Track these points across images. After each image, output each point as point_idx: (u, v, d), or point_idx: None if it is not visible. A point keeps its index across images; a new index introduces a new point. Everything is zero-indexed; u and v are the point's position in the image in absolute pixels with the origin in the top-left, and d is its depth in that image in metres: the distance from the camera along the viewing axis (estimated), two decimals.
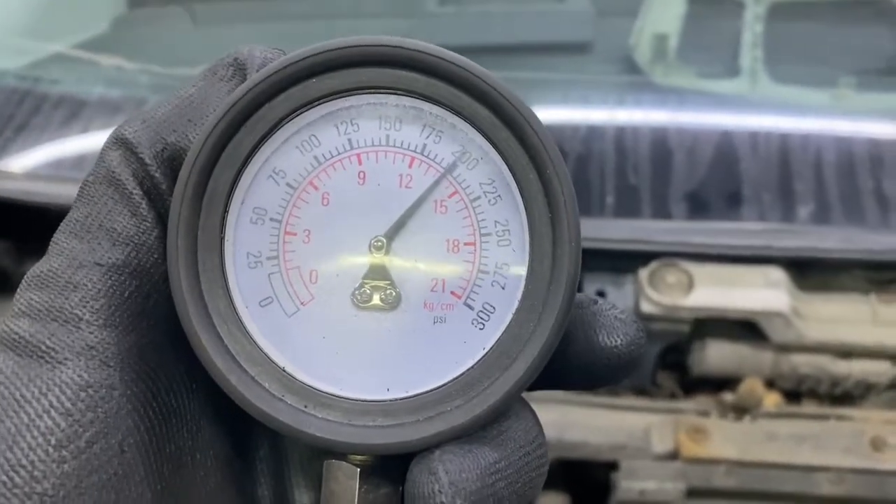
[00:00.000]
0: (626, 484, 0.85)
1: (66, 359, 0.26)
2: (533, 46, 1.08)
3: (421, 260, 0.25)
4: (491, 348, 0.25)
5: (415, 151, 0.25)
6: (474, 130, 0.25)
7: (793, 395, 0.90)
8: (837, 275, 0.84)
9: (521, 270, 0.25)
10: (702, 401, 0.89)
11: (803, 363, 0.84)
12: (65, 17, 1.26)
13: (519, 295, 0.25)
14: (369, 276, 0.26)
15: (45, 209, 0.89)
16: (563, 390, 0.28)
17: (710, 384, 0.89)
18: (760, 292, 0.79)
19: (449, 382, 0.25)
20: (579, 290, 0.27)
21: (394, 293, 0.25)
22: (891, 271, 0.83)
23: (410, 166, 0.25)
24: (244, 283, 0.25)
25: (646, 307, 0.80)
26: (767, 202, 0.83)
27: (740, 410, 0.86)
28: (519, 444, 0.25)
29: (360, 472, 0.26)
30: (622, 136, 0.89)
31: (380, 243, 0.25)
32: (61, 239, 0.27)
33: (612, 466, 0.86)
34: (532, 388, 0.27)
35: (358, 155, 0.25)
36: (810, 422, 0.85)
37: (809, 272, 0.83)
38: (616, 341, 0.27)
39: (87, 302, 0.26)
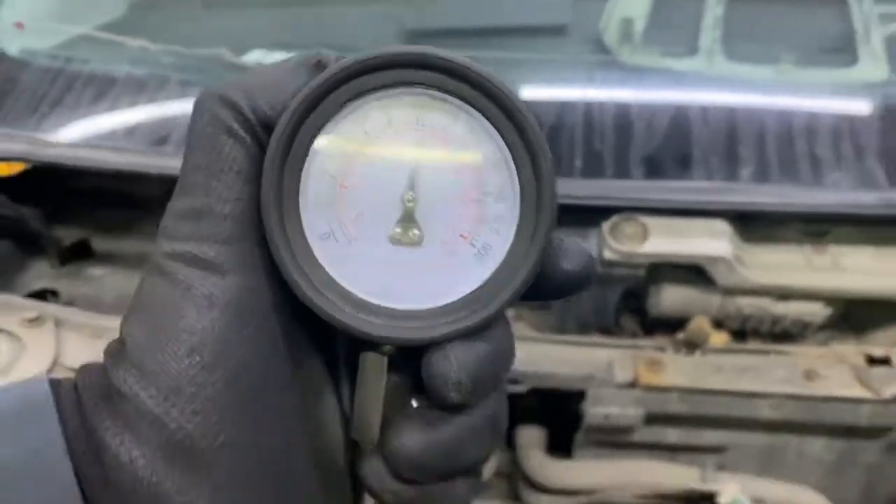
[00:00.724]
0: (593, 409, 0.98)
1: (229, 269, 0.31)
2: (515, 29, 1.20)
3: (442, 206, 0.33)
4: (490, 276, 0.33)
5: (436, 128, 0.33)
6: (483, 118, 0.32)
7: (739, 334, 1.02)
8: (776, 228, 0.96)
9: (513, 220, 0.33)
10: (659, 339, 1.01)
11: (746, 304, 0.97)
12: (87, 2, 1.38)
13: (511, 238, 0.33)
14: (401, 220, 0.33)
15: (79, 175, 1.00)
16: (539, 300, 0.37)
17: (667, 325, 1.02)
18: (706, 241, 0.92)
19: (459, 299, 0.33)
20: None
21: (419, 234, 0.33)
22: (822, 224, 0.96)
23: (436, 139, 0.33)
24: (311, 222, 0.33)
25: (607, 254, 0.92)
26: (714, 164, 0.95)
27: (691, 346, 0.98)
28: (501, 340, 0.36)
29: (387, 359, 0.34)
30: (590, 109, 1.01)
31: (410, 196, 0.33)
32: (195, 179, 0.31)
33: (581, 395, 0.99)
34: (519, 300, 0.37)
35: (395, 129, 0.32)
36: (753, 356, 0.98)
37: (752, 225, 0.96)
38: (575, 266, 0.37)
39: (237, 226, 0.31)
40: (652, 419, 0.99)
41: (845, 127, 0.96)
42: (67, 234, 1.29)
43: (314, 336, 0.35)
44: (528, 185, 0.32)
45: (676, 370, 0.96)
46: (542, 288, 0.34)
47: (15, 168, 1.12)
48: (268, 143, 0.32)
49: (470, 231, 0.33)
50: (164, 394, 0.30)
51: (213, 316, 0.30)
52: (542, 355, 1.01)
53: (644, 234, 0.92)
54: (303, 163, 0.32)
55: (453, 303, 0.33)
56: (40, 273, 1.26)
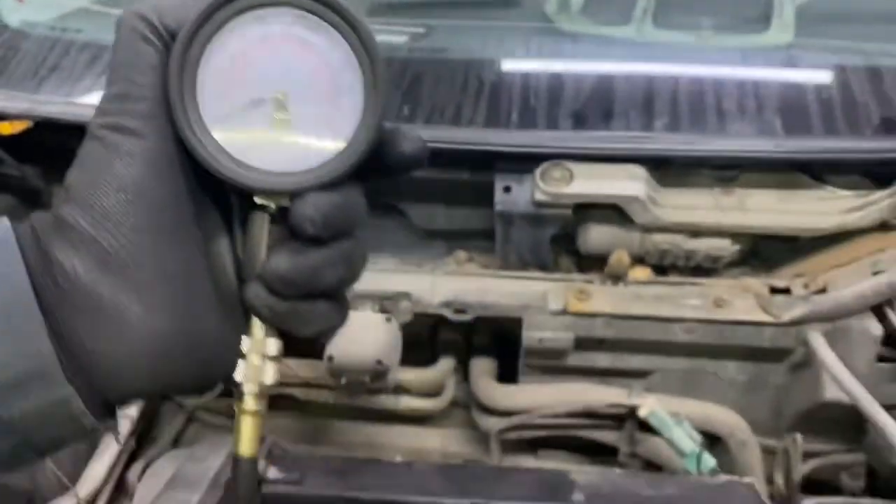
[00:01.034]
0: (528, 334, 1.11)
1: (146, 135, 0.41)
2: (469, 2, 1.33)
3: (306, 97, 0.43)
4: (343, 148, 0.43)
5: (302, 38, 0.43)
6: (337, 32, 0.43)
7: (659, 270, 1.15)
8: (690, 174, 1.09)
9: (360, 107, 0.43)
10: (589, 275, 1.14)
11: (662, 241, 1.10)
12: None
13: (358, 121, 0.43)
14: (276, 110, 0.43)
15: (78, 132, 1.12)
16: (387, 175, 0.47)
17: (597, 263, 1.15)
18: (624, 183, 1.04)
19: (318, 164, 0.43)
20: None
21: (290, 119, 0.43)
22: (730, 170, 1.08)
23: (301, 47, 0.43)
24: (205, 106, 0.43)
25: (538, 196, 1.05)
26: (633, 117, 1.07)
27: (615, 278, 1.11)
28: (350, 195, 0.43)
29: (269, 216, 0.45)
30: (527, 71, 1.14)
31: (282, 92, 0.43)
32: (119, 73, 0.42)
33: (520, 323, 1.12)
34: (367, 176, 0.45)
35: (270, 39, 0.43)
36: (670, 287, 1.11)
37: (667, 171, 1.08)
38: (412, 148, 0.49)
39: (151, 105, 0.41)
40: (582, 344, 1.12)
41: (749, 84, 1.09)
42: None
43: (212, 191, 0.46)
44: (368, 81, 0.44)
45: (602, 299, 1.09)
46: (388, 164, 0.46)
47: (17, 127, 1.24)
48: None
49: (329, 116, 0.44)
50: (98, 220, 0.41)
51: (135, 166, 0.42)
52: (486, 289, 1.13)
53: (570, 178, 1.05)
54: (198, 61, 0.43)
55: (314, 167, 0.44)
56: None
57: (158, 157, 0.43)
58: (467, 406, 1.30)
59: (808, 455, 1.13)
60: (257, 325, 0.48)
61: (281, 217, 0.45)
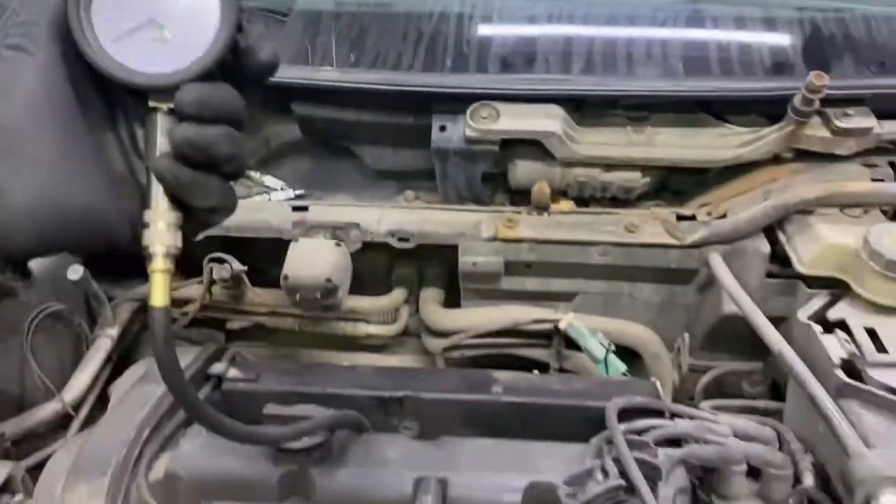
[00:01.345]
0: (463, 258, 1.24)
1: (42, 51, 0.57)
2: None
3: (177, 16, 0.57)
4: (207, 49, 0.57)
5: None
6: None
7: (581, 203, 1.29)
8: (604, 115, 1.22)
9: (218, 17, 0.58)
10: (518, 207, 1.28)
11: (580, 174, 1.23)
12: None
13: (217, 26, 0.58)
14: (158, 29, 0.57)
15: None
16: (247, 78, 0.60)
17: (528, 199, 1.28)
18: (543, 120, 1.18)
19: (189, 65, 0.57)
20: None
21: (169, 35, 0.58)
22: (640, 111, 1.22)
23: None
24: (98, 26, 0.57)
25: (469, 133, 1.18)
26: (552, 61, 1.21)
27: (540, 208, 1.25)
28: (220, 88, 0.57)
29: (159, 115, 0.59)
30: (461, 21, 1.28)
31: (164, 19, 0.58)
32: (24, 7, 0.59)
33: (456, 249, 1.25)
34: (235, 79, 0.60)
35: None
36: (588, 216, 1.24)
37: (584, 112, 1.22)
38: (266, 57, 0.62)
39: (48, 29, 0.56)
40: (511, 268, 1.25)
41: (656, 33, 1.22)
42: None
43: (100, 98, 0.61)
44: (225, 6, 0.59)
45: (527, 227, 1.23)
46: (249, 68, 0.60)
47: None
48: None
49: (195, 30, 0.58)
50: (12, 106, 0.55)
51: (37, 70, 0.57)
52: (427, 220, 1.27)
53: (496, 117, 1.18)
54: None
55: (186, 68, 0.58)
56: None
57: (49, 70, 0.58)
58: (420, 335, 1.43)
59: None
60: (161, 197, 0.61)
61: (171, 115, 0.60)
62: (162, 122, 0.60)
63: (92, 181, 0.60)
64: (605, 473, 0.78)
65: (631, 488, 0.79)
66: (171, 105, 0.59)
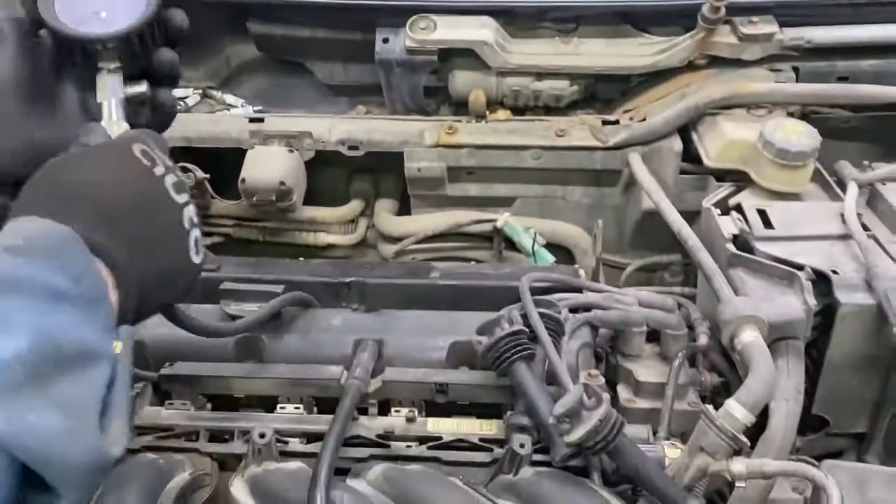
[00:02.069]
0: (409, 164, 1.35)
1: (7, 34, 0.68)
2: None
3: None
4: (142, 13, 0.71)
5: None
6: None
7: (517, 111, 1.40)
8: (535, 27, 1.33)
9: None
10: (458, 116, 1.39)
11: (514, 83, 1.34)
12: None
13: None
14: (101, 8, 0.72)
15: None
16: (169, 42, 0.74)
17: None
18: (476, 30, 1.28)
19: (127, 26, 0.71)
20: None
21: (105, 14, 0.71)
22: (567, 23, 1.32)
23: None
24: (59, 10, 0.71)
25: (409, 43, 1.29)
26: None
27: (478, 117, 1.36)
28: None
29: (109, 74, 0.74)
30: None
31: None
32: None
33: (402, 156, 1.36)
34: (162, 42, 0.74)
35: None
36: (522, 123, 1.36)
37: (516, 24, 1.32)
38: (181, 20, 0.75)
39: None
40: (454, 174, 1.37)
41: None
42: None
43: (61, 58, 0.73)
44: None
45: (466, 133, 1.34)
46: (170, 30, 0.73)
47: None
48: None
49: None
50: None
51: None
52: (374, 129, 1.37)
53: (434, 28, 1.28)
54: None
55: (125, 27, 0.71)
56: None
57: (18, 47, 0.70)
58: (377, 247, 1.55)
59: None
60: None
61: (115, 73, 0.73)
62: (108, 79, 0.73)
63: (53, 124, 0.72)
64: (511, 322, 0.91)
65: (535, 337, 0.92)
66: (116, 64, 0.72)
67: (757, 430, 0.86)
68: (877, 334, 0.93)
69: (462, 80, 1.35)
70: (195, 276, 0.72)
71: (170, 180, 0.69)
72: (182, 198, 0.69)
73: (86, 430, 0.52)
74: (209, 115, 1.43)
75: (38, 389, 0.50)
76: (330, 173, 1.47)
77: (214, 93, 1.52)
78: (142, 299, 0.64)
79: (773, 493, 0.86)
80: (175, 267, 0.69)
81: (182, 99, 1.50)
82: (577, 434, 0.77)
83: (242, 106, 1.49)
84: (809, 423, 1.01)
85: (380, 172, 1.50)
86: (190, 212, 0.69)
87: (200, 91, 1.52)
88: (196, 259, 0.70)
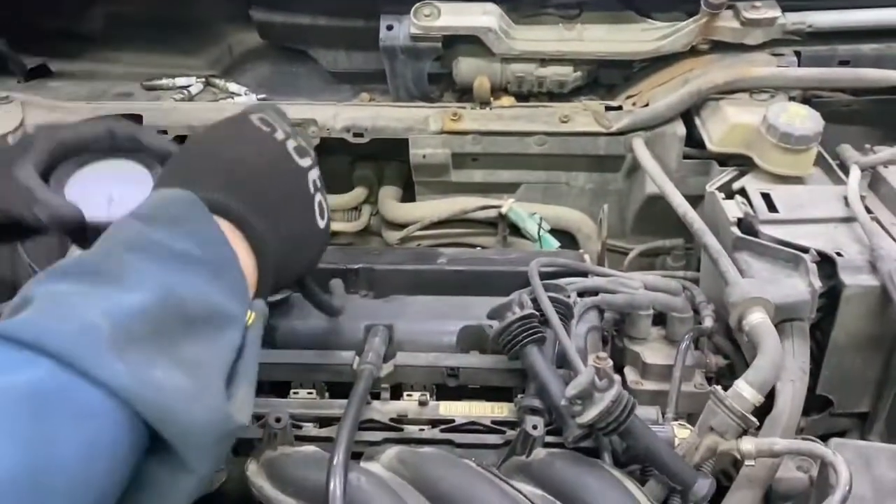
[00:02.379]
0: (414, 151, 1.36)
1: None
2: None
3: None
4: None
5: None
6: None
7: (521, 98, 1.40)
8: (538, 14, 1.33)
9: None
10: (462, 102, 1.39)
11: (518, 69, 1.34)
12: None
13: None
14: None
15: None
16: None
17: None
18: (480, 17, 1.28)
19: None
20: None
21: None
22: (570, 9, 1.32)
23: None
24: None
25: (413, 30, 1.29)
26: None
27: (482, 103, 1.36)
28: None
29: None
30: None
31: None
32: None
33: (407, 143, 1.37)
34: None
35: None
36: (526, 109, 1.36)
37: (518, 9, 1.32)
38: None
39: None
40: (458, 160, 1.37)
41: None
42: (29, 61, 1.64)
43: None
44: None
45: (471, 120, 1.34)
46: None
47: None
48: None
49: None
50: None
51: None
52: (379, 116, 1.37)
53: (438, 14, 1.29)
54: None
55: None
56: (8, 86, 1.61)
57: None
58: (381, 234, 1.56)
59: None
60: None
61: None
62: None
63: None
64: (522, 306, 0.92)
65: (545, 321, 0.93)
66: None
67: (761, 411, 0.87)
68: (881, 315, 0.95)
69: (466, 67, 1.35)
70: (324, 242, 0.73)
71: (291, 144, 0.69)
72: (305, 161, 0.70)
73: (212, 392, 0.52)
74: (213, 104, 1.43)
75: (164, 347, 0.50)
76: (333, 161, 1.47)
77: (217, 81, 1.52)
78: (277, 266, 0.64)
79: (778, 472, 0.88)
80: (304, 230, 0.69)
81: (185, 87, 1.50)
82: (589, 415, 0.78)
83: (246, 94, 1.49)
84: (813, 403, 1.03)
85: (383, 159, 1.50)
86: (314, 175, 0.70)
87: (203, 80, 1.52)
88: (321, 223, 0.70)
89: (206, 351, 0.53)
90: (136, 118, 1.33)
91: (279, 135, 0.69)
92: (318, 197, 0.71)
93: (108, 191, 0.74)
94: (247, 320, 0.58)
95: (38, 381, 0.45)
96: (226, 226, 0.61)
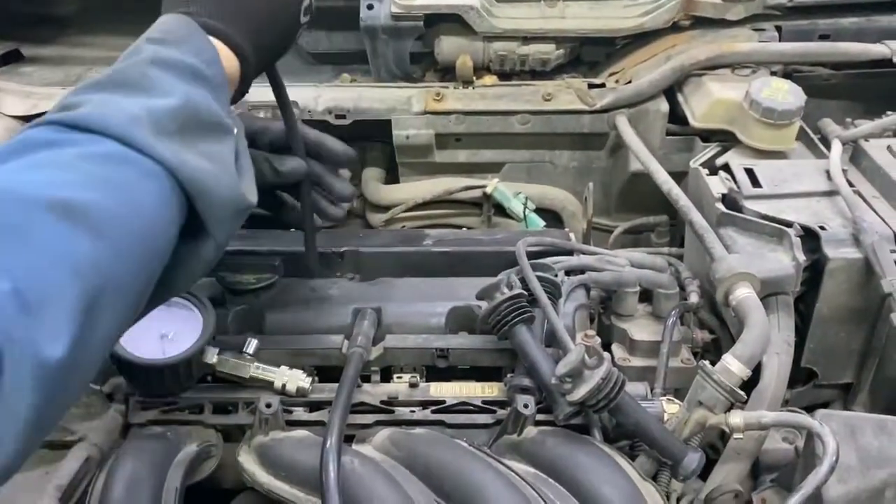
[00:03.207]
0: (397, 132, 1.35)
1: None
2: None
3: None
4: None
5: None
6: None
7: (504, 76, 1.39)
8: None
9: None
10: (445, 82, 1.38)
11: (500, 48, 1.33)
12: None
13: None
14: None
15: None
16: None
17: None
18: None
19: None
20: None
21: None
22: None
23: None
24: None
25: (394, 9, 1.28)
26: None
27: (465, 82, 1.36)
28: None
29: None
30: None
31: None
32: None
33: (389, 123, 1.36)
34: None
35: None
36: (509, 88, 1.35)
37: None
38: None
39: None
40: (442, 141, 1.37)
41: None
42: (1, 47, 1.61)
43: None
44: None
45: (454, 99, 1.34)
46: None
47: None
48: None
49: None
50: None
51: None
52: (361, 97, 1.36)
53: None
54: None
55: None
56: None
57: None
58: (365, 216, 1.55)
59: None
60: None
61: None
62: None
63: None
64: (510, 286, 0.92)
65: (533, 300, 0.93)
66: None
67: (746, 384, 0.88)
68: (864, 287, 0.96)
69: (448, 46, 1.34)
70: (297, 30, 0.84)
71: None
72: None
73: (228, 175, 0.65)
74: None
75: (189, 141, 0.62)
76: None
77: None
78: (256, 68, 0.77)
79: (764, 444, 0.89)
80: (284, 41, 0.82)
81: None
82: (579, 393, 0.79)
83: None
84: (798, 375, 1.04)
85: (366, 141, 1.49)
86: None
87: None
88: (303, 18, 0.83)
89: (217, 148, 0.65)
90: None
91: None
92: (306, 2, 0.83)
93: (160, 330, 0.86)
94: (235, 130, 0.70)
95: (111, 149, 0.58)
96: (217, 43, 0.72)
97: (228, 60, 0.73)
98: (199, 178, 0.61)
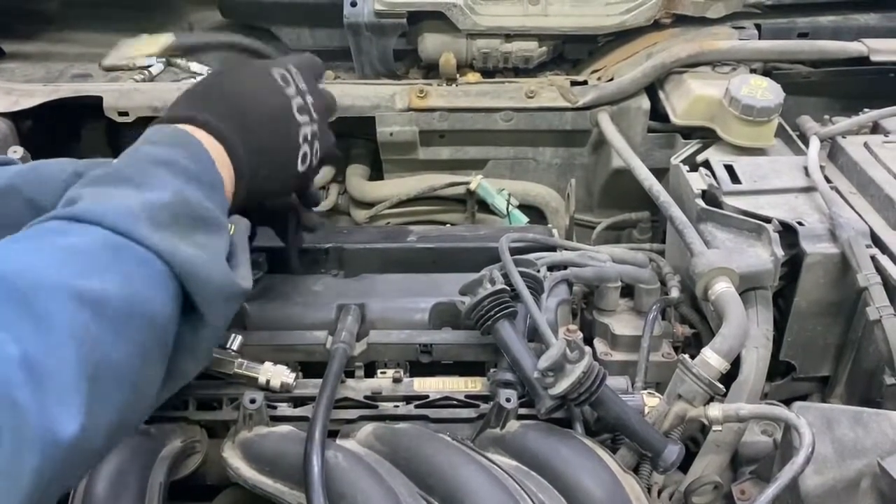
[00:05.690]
0: (381, 129, 1.35)
1: None
2: None
3: None
4: None
5: None
6: None
7: (487, 74, 1.40)
8: None
9: None
10: (429, 79, 1.39)
11: (483, 45, 1.34)
12: None
13: None
14: None
15: None
16: None
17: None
18: None
19: None
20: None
21: None
22: None
23: None
24: None
25: (377, 6, 1.28)
26: None
27: (449, 80, 1.36)
28: None
29: None
30: None
31: None
32: None
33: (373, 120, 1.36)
34: None
35: None
36: (492, 85, 1.36)
37: None
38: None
39: None
40: (426, 138, 1.37)
41: None
42: None
43: None
44: None
45: (437, 96, 1.34)
46: None
47: None
48: None
49: None
50: None
51: None
52: (345, 94, 1.36)
53: None
54: None
55: None
56: None
57: None
58: (349, 213, 1.55)
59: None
60: None
61: None
62: None
63: None
64: (493, 282, 0.93)
65: (516, 296, 0.94)
66: None
67: (726, 377, 0.89)
68: (840, 281, 0.97)
69: (432, 43, 1.35)
70: (300, 185, 0.90)
71: (296, 102, 0.83)
72: (302, 118, 0.83)
73: (221, 265, 0.68)
74: (175, 84, 1.41)
75: (180, 233, 0.65)
76: None
77: (179, 61, 1.49)
78: (250, 190, 0.79)
79: (743, 436, 0.90)
80: (282, 169, 0.83)
81: (146, 68, 1.47)
82: (561, 387, 0.80)
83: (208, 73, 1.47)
84: (777, 368, 1.06)
85: (350, 138, 1.49)
86: (306, 131, 0.83)
87: (164, 59, 1.49)
88: (300, 167, 0.84)
89: (209, 241, 0.68)
90: (97, 100, 1.31)
91: (290, 91, 0.82)
92: (304, 148, 0.84)
93: None
94: (230, 230, 0.73)
95: (105, 237, 0.61)
96: (217, 147, 0.75)
97: (225, 167, 0.76)
98: (190, 261, 0.64)
